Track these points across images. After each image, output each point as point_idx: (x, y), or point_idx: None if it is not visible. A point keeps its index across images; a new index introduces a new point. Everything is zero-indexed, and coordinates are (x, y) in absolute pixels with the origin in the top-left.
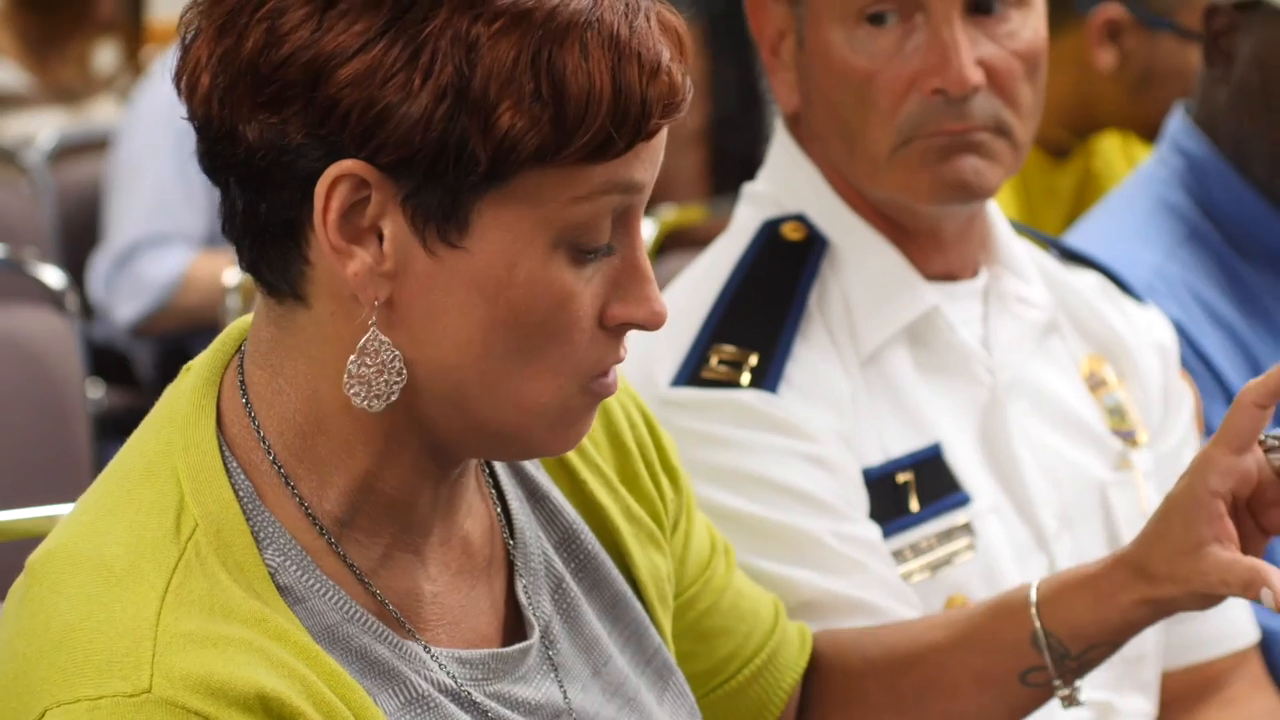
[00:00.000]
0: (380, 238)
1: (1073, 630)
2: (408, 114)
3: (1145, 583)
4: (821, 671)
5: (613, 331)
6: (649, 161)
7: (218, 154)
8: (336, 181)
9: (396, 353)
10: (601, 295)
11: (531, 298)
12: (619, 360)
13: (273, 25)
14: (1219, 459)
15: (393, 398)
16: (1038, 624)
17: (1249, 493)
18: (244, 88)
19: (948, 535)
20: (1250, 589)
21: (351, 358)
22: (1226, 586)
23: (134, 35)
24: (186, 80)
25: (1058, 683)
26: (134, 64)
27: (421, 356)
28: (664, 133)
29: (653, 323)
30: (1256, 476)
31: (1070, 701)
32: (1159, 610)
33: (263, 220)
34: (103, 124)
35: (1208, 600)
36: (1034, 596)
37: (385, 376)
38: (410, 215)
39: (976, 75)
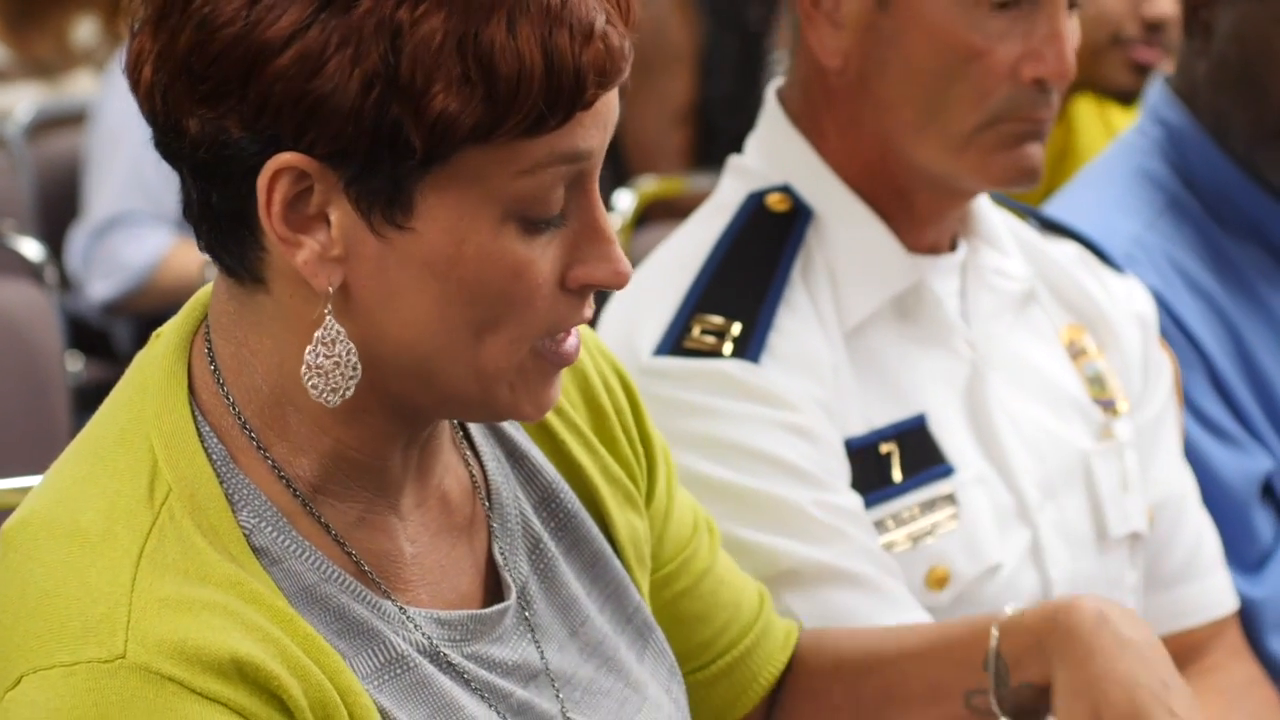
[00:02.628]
0: (329, 223)
1: (1015, 657)
2: (339, 104)
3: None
4: (795, 669)
5: (576, 293)
6: (594, 128)
7: (167, 145)
8: (277, 175)
9: (351, 346)
10: (562, 258)
11: (484, 271)
12: (583, 320)
13: (204, 20)
14: None
15: (348, 393)
16: (994, 642)
17: None
18: (182, 84)
19: (930, 505)
20: None
21: (309, 349)
22: None
23: (112, 8)
24: (130, 72)
25: (995, 709)
26: (112, 37)
27: (381, 335)
28: (610, 97)
29: (615, 282)
30: None
31: None
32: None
33: (215, 210)
34: (81, 97)
35: None
36: (1007, 612)
37: (341, 370)
38: (355, 200)
39: (1074, 67)
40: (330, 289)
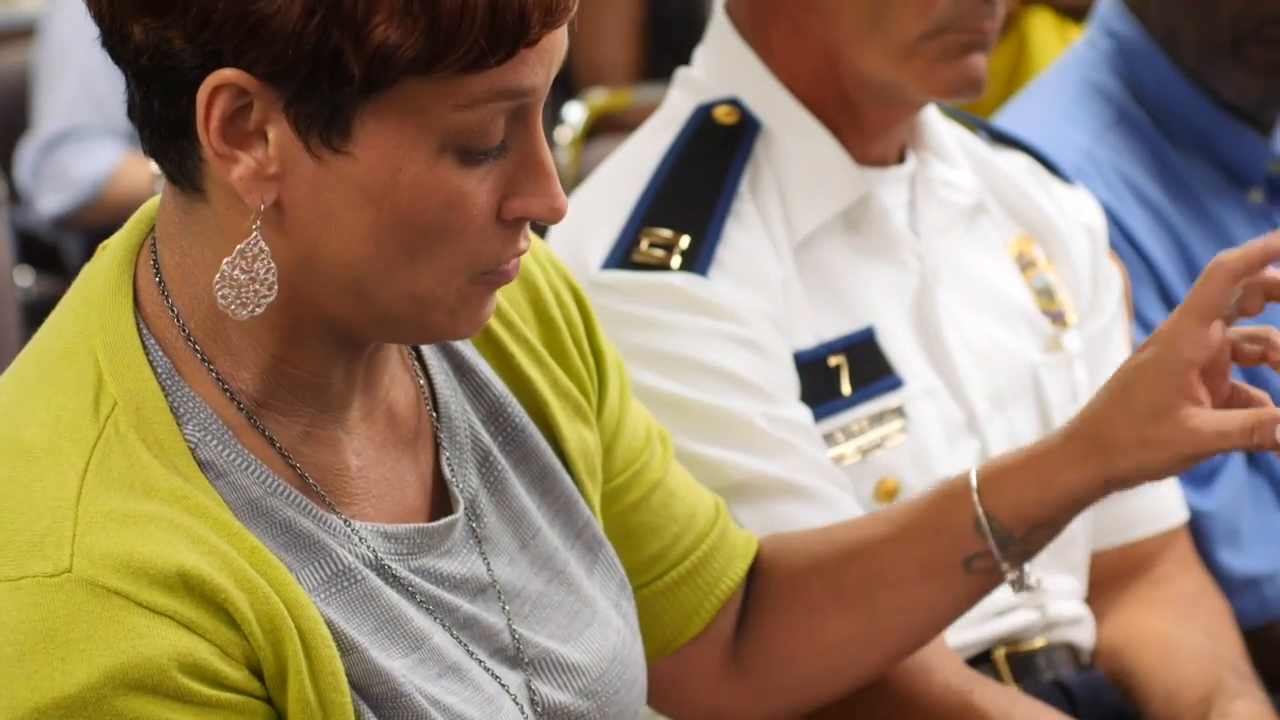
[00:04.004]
0: (266, 140)
1: (1016, 513)
2: (280, 27)
3: (1101, 455)
4: (764, 575)
5: (512, 225)
6: (538, 65)
7: (111, 47)
8: (217, 90)
9: (272, 266)
10: (499, 190)
11: (418, 200)
12: (519, 253)
13: None
14: (1190, 329)
15: (258, 310)
16: (979, 509)
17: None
18: None
19: (879, 418)
20: (1257, 433)
21: (226, 259)
22: (1225, 439)
23: None
24: None
25: (1004, 566)
26: None
27: (315, 254)
28: (557, 34)
29: (551, 218)
30: (1217, 346)
31: (1019, 586)
32: (1110, 484)
33: (156, 116)
34: (30, 11)
35: (1180, 465)
36: (975, 481)
37: (255, 286)
38: (293, 120)
39: None
40: (262, 205)
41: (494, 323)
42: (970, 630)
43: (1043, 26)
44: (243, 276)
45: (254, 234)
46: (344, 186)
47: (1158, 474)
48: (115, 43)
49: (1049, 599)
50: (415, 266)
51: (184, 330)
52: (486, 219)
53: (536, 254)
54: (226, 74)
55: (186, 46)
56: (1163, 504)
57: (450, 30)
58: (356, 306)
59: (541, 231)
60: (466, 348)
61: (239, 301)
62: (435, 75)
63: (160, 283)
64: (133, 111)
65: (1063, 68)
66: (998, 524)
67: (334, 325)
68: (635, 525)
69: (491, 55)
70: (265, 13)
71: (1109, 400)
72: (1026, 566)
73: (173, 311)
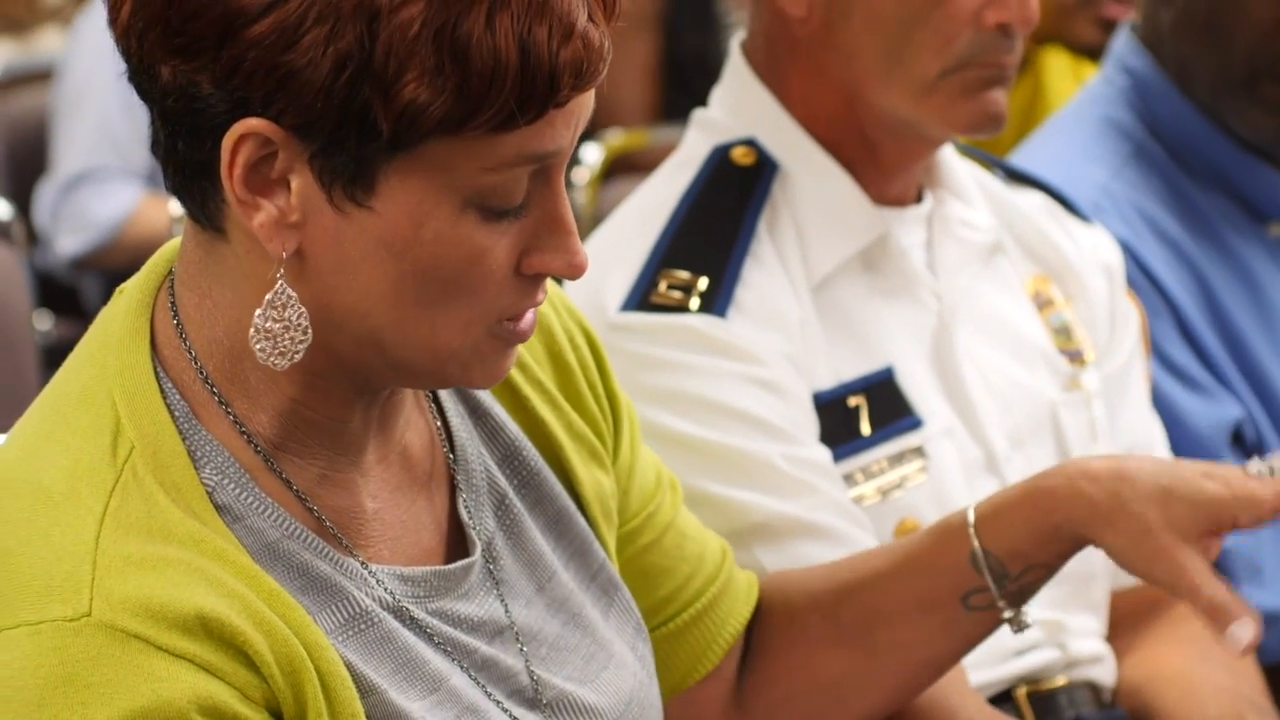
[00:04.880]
0: (289, 188)
1: (1010, 548)
2: (310, 80)
3: (1096, 521)
4: (765, 613)
5: (530, 279)
6: (564, 127)
7: (139, 85)
8: (243, 138)
9: (303, 310)
10: (519, 245)
11: (439, 255)
12: (536, 305)
13: None
14: (1255, 495)
15: (296, 357)
16: (976, 543)
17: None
18: (159, 31)
19: (899, 458)
20: (1220, 616)
21: (258, 311)
22: (1195, 597)
23: None
24: (110, 7)
25: (1001, 604)
26: None
27: (335, 302)
28: (586, 96)
29: (571, 274)
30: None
31: (1018, 626)
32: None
33: (180, 156)
34: (48, 53)
35: (1142, 575)
36: (972, 517)
37: (291, 334)
38: (317, 172)
39: (1037, 13)
40: (284, 254)
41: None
42: (992, 669)
43: (1057, 66)
44: (276, 326)
45: (279, 282)
46: (365, 239)
47: (1124, 565)
48: (142, 81)
49: (1070, 637)
50: (433, 319)
51: (201, 373)
52: (505, 273)
53: (551, 298)
54: (253, 123)
55: (214, 92)
56: None
57: (480, 91)
58: (374, 355)
59: None
60: (482, 390)
61: (277, 351)
62: (463, 135)
63: (178, 325)
64: (156, 148)
65: (1079, 104)
66: (994, 560)
67: (352, 371)
68: (649, 567)
69: (521, 117)
70: (296, 65)
71: (1150, 482)
72: (1026, 607)
73: (190, 354)
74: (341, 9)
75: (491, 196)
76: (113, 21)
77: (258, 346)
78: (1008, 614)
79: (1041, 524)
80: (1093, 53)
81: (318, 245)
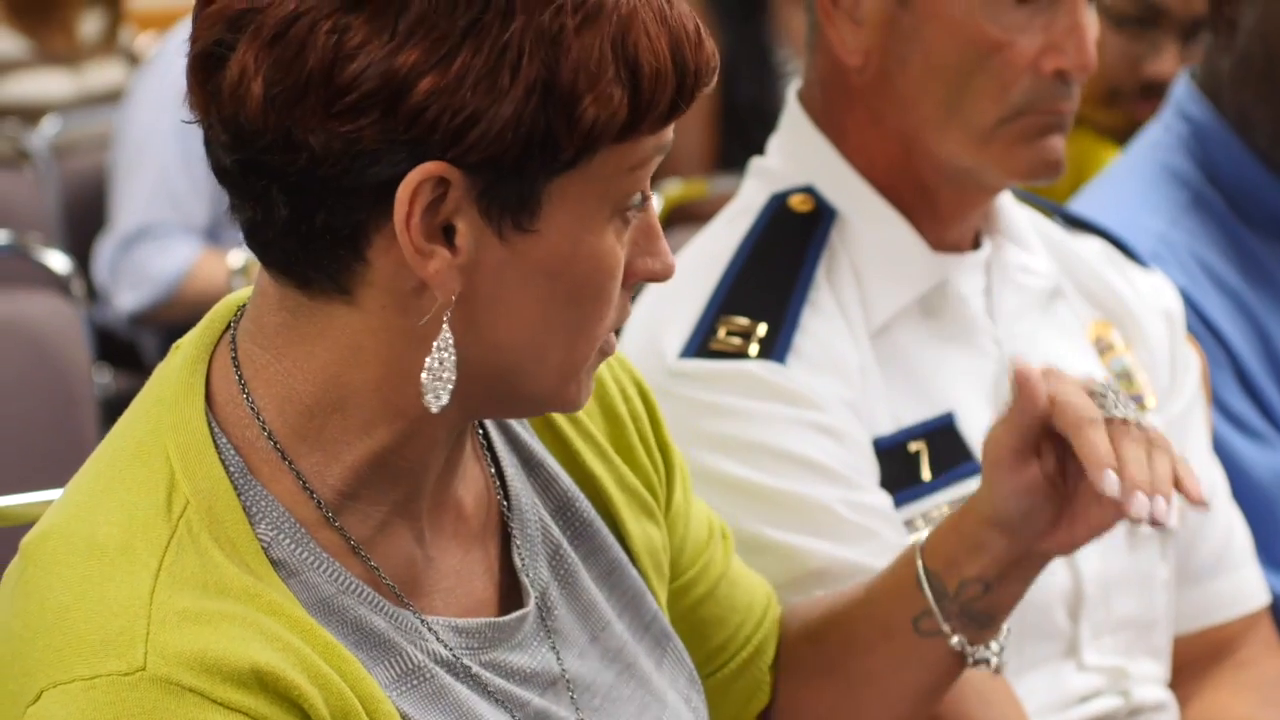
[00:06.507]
0: (448, 233)
1: (946, 561)
2: (498, 114)
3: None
4: (779, 650)
5: (627, 290)
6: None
7: (264, 163)
8: (421, 185)
9: (454, 353)
10: (625, 255)
11: (591, 270)
12: (628, 316)
13: (340, 40)
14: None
15: (445, 400)
16: (920, 562)
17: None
18: (313, 99)
19: (960, 503)
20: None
21: (430, 357)
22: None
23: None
24: (230, 89)
25: (946, 627)
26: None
27: (476, 339)
28: None
29: (667, 275)
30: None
31: (976, 661)
32: (1043, 555)
33: (318, 227)
34: (104, 85)
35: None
36: (923, 537)
37: (447, 373)
38: (484, 209)
39: (1096, 60)
40: (453, 297)
41: (560, 419)
42: (1054, 717)
43: (1084, 151)
44: (446, 370)
45: (444, 325)
46: (524, 266)
47: (1008, 513)
48: (272, 158)
49: (1133, 684)
50: (572, 340)
51: (265, 428)
52: (620, 283)
53: None
54: (432, 167)
55: (383, 147)
56: (1245, 586)
57: (649, 94)
58: (502, 386)
59: None
60: (534, 442)
61: (446, 392)
62: (627, 140)
63: (240, 380)
64: (264, 228)
65: (1137, 152)
66: (933, 577)
67: (462, 408)
68: (703, 617)
69: (673, 114)
70: (482, 103)
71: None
72: (993, 645)
73: (253, 410)
74: (523, 41)
75: (628, 198)
76: (238, 102)
77: (432, 392)
78: (955, 640)
79: (960, 525)
80: (1116, 134)
81: (476, 283)
